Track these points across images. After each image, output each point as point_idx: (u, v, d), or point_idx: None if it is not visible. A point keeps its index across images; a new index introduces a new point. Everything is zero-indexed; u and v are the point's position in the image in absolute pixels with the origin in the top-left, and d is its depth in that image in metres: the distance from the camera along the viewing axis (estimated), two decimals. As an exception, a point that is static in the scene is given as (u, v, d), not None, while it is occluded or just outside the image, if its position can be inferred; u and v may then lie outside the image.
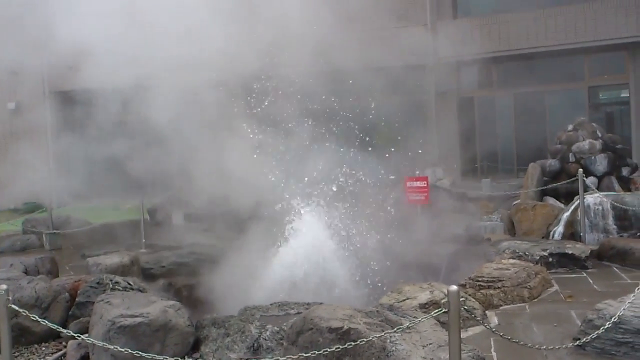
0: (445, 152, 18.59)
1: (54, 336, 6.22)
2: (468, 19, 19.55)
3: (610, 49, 18.07)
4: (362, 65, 12.41)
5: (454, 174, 17.20)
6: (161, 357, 4.37)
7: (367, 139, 11.46)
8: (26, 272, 7.99)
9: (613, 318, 4.70)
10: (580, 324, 5.43)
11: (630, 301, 4.87)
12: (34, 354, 5.91)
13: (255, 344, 5.33)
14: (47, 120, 16.21)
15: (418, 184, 11.42)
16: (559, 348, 4.87)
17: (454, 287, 3.66)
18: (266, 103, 10.21)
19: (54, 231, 12.23)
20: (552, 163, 12.01)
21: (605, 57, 18.68)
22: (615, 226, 9.50)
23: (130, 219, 13.42)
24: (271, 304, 6.30)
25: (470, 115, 19.66)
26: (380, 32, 18.39)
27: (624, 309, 4.81)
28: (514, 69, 19.27)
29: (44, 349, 6.05)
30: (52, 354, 5.87)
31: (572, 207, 10.02)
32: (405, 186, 11.78)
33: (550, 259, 8.15)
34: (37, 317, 4.48)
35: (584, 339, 4.86)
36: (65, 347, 5.84)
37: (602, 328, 4.69)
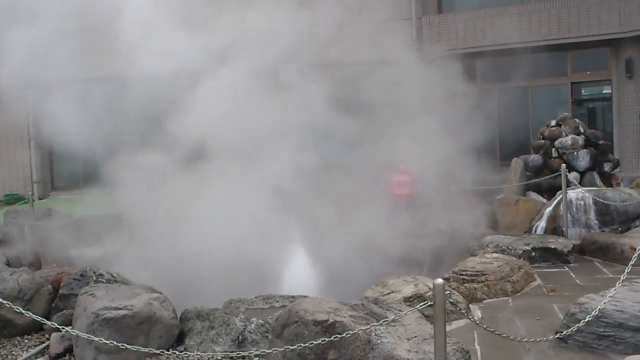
0: (429, 146, 18.61)
1: (37, 328, 6.19)
2: (453, 13, 19.59)
3: (593, 45, 18.19)
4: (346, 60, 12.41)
5: (438, 168, 17.23)
6: (146, 349, 4.37)
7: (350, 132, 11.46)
8: (8, 264, 7.93)
9: (595, 312, 4.76)
10: (562, 317, 5.48)
11: (611, 295, 4.92)
12: (16, 347, 5.88)
13: (240, 337, 5.33)
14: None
15: (402, 177, 11.44)
16: (541, 341, 4.91)
17: (440, 280, 3.68)
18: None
19: (36, 223, 12.14)
20: (535, 158, 12.10)
21: (589, 53, 18.79)
22: (597, 221, 9.60)
23: (114, 212, 13.34)
24: (256, 297, 6.29)
25: (453, 109, 19.70)
26: (363, 25, 18.43)
27: (605, 302, 4.87)
28: (497, 64, 19.34)
29: (26, 341, 6.01)
30: (35, 346, 5.83)
31: (555, 202, 10.11)
32: (389, 180, 11.79)
33: (533, 254, 8.23)
34: (20, 308, 4.45)
35: (566, 332, 4.91)
36: (48, 339, 5.81)
37: (583, 321, 4.74)
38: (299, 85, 10.14)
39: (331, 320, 4.31)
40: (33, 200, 12.91)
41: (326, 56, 11.19)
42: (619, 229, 9.45)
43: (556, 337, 4.93)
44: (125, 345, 4.25)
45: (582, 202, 9.72)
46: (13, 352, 5.72)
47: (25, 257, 8.61)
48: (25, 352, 5.70)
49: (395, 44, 13.08)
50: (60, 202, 13.98)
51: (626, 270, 4.64)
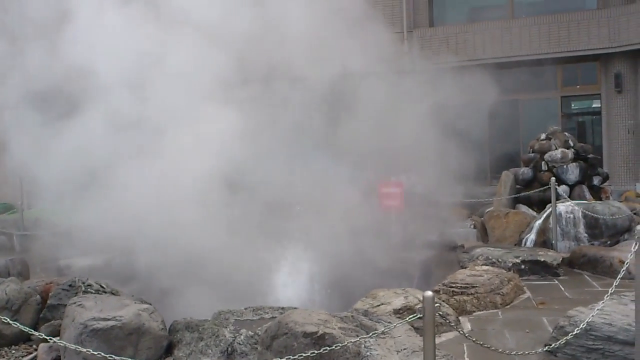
0: (420, 158, 18.67)
1: (25, 339, 6.13)
2: (444, 27, 19.71)
3: (582, 59, 18.34)
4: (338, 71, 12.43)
5: (428, 180, 17.27)
6: (134, 361, 4.35)
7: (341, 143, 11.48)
8: (-4, 274, 7.88)
9: (583, 325, 4.77)
10: (551, 330, 5.49)
11: (600, 308, 4.93)
12: (3, 357, 5.82)
13: (229, 349, 5.31)
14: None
15: (392, 189, 11.46)
16: (530, 354, 4.92)
17: (429, 293, 3.69)
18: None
19: (25, 233, 12.07)
20: (525, 171, 12.16)
21: (578, 67, 18.94)
22: (586, 234, 9.64)
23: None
24: (245, 308, 6.27)
25: (444, 122, 19.77)
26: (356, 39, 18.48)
27: (593, 315, 4.88)
28: (488, 77, 19.44)
29: (14, 351, 5.96)
30: (22, 357, 5.78)
31: (544, 215, 10.15)
32: (379, 191, 11.81)
33: (523, 266, 8.26)
34: (7, 319, 4.42)
35: (555, 345, 4.92)
36: (36, 350, 5.76)
37: (572, 335, 4.75)
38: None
39: (321, 332, 4.31)
40: (22, 210, 12.83)
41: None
42: (608, 242, 9.49)
43: (545, 350, 4.93)
44: (114, 356, 4.23)
45: (572, 215, 9.76)
46: (0, 363, 5.68)
47: (13, 266, 8.54)
48: (12, 362, 5.66)
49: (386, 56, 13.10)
50: (50, 212, 13.88)
51: (615, 284, 4.65)
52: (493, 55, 18.46)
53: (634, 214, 10.27)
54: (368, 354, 4.17)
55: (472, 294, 6.81)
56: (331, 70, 10.96)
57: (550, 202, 9.85)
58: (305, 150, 11.00)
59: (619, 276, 4.76)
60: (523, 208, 11.62)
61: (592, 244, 9.43)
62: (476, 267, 7.87)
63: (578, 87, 19.17)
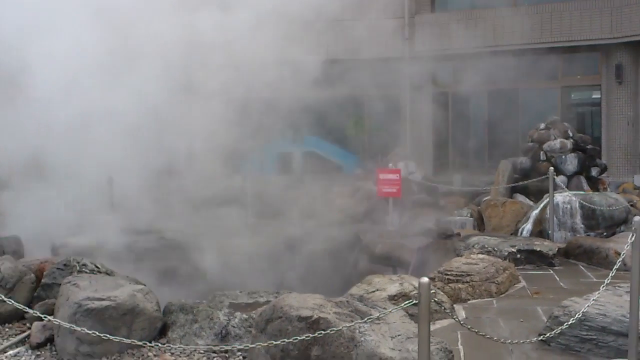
0: (418, 146, 18.68)
1: (18, 317, 6.12)
2: (446, 13, 19.62)
3: (584, 50, 18.28)
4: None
5: (426, 168, 17.28)
6: (128, 341, 4.34)
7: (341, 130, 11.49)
8: (-9, 252, 7.85)
9: (578, 315, 4.76)
10: (546, 320, 5.50)
11: (595, 299, 4.93)
12: (-3, 335, 5.82)
13: (224, 331, 5.31)
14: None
15: (390, 176, 11.45)
16: (524, 343, 4.92)
17: (425, 279, 3.67)
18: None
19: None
20: (523, 161, 12.15)
21: (579, 57, 18.89)
22: (582, 225, 9.64)
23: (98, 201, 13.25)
24: (240, 291, 6.28)
25: (444, 110, 19.75)
26: (356, 23, 18.43)
27: (588, 306, 4.88)
28: (489, 65, 19.38)
29: (7, 329, 5.94)
30: (15, 335, 5.77)
31: (542, 205, 10.15)
32: (377, 178, 11.80)
33: (519, 255, 8.26)
34: (2, 296, 4.40)
35: (549, 335, 4.92)
36: (29, 328, 5.75)
37: (567, 324, 4.75)
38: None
39: (315, 316, 4.29)
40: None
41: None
42: (605, 233, 9.50)
43: (539, 339, 4.94)
44: (108, 336, 4.21)
45: (569, 206, 9.76)
46: (-7, 341, 5.67)
47: (8, 245, 8.51)
48: (5, 340, 5.64)
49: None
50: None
51: (610, 275, 4.64)
52: (493, 44, 18.38)
53: (631, 205, 10.28)
54: (362, 339, 4.16)
55: (467, 282, 6.80)
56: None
57: (547, 192, 9.84)
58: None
59: (614, 267, 4.75)
60: (520, 198, 11.62)
61: (589, 235, 9.44)
62: (472, 255, 7.86)
63: (578, 77, 19.12)
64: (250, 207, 11.03)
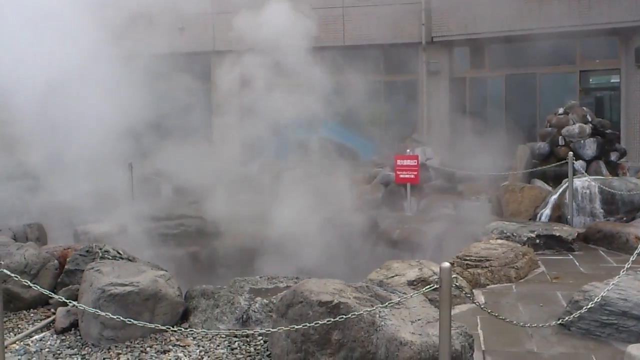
0: (436, 132, 18.62)
1: (43, 303, 6.23)
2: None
3: (602, 33, 18.07)
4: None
5: (444, 154, 17.24)
6: (151, 325, 4.40)
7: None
8: (15, 239, 7.96)
9: (598, 299, 4.77)
10: (565, 304, 5.50)
11: (615, 283, 4.93)
12: (22, 320, 5.92)
13: (245, 316, 5.37)
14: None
15: (408, 162, 11.45)
16: (544, 327, 4.94)
17: (447, 264, 3.69)
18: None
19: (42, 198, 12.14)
20: (542, 146, 12.07)
21: (598, 41, 18.68)
22: (602, 210, 9.59)
23: (118, 188, 13.36)
24: (260, 277, 6.33)
25: (461, 95, 19.67)
26: (372, 8, 18.39)
27: (608, 290, 4.88)
28: (506, 50, 19.24)
29: (32, 315, 6.05)
30: (40, 320, 5.87)
31: (560, 190, 10.10)
32: (395, 164, 11.80)
33: (538, 241, 8.24)
34: (27, 282, 4.48)
35: (569, 319, 4.93)
36: (54, 313, 5.85)
37: (587, 309, 4.75)
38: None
39: (336, 301, 4.33)
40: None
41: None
42: (624, 218, 9.43)
43: (559, 323, 4.95)
44: (131, 320, 4.28)
45: (588, 191, 9.70)
46: (19, 326, 5.76)
47: (31, 232, 8.64)
48: (31, 325, 5.75)
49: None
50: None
51: (631, 259, 4.65)
52: (511, 28, 18.24)
53: (651, 190, 10.19)
54: (383, 323, 4.19)
55: (486, 267, 6.81)
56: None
57: (566, 177, 9.79)
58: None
59: (635, 252, 4.75)
60: (539, 183, 11.55)
61: (608, 220, 9.38)
62: (491, 240, 7.86)
63: (597, 61, 18.92)
64: (267, 193, 11.08)
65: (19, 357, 4.84)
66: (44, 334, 5.50)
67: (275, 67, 10.42)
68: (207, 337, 5.18)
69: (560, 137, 11.84)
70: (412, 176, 11.45)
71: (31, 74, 8.59)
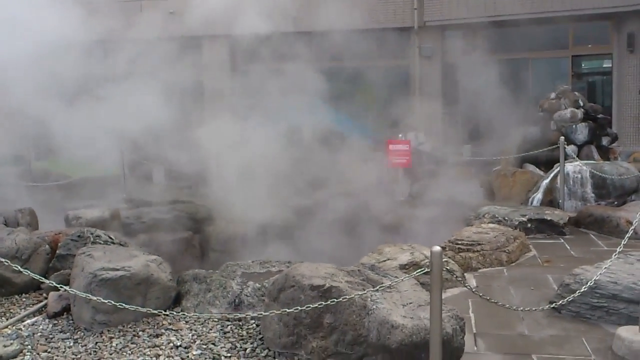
0: (428, 117, 18.61)
1: (35, 287, 6.22)
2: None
3: (595, 18, 18.06)
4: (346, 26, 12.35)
5: (436, 139, 17.24)
6: (143, 310, 4.40)
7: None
8: (6, 224, 7.94)
9: (589, 283, 4.79)
10: (556, 288, 5.54)
11: (606, 267, 4.95)
12: (14, 305, 5.91)
13: (237, 300, 5.37)
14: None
15: (400, 147, 11.44)
16: (535, 310, 4.96)
17: (437, 248, 3.70)
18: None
19: (34, 184, 12.13)
20: (534, 131, 12.08)
21: (590, 26, 18.67)
22: (593, 194, 9.63)
23: (110, 174, 13.35)
24: (252, 261, 6.33)
25: (454, 80, 19.64)
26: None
27: (600, 274, 4.90)
28: (499, 35, 19.22)
29: (24, 299, 6.05)
30: (32, 304, 5.87)
31: (552, 175, 10.13)
32: (387, 149, 11.80)
33: (529, 225, 8.28)
34: (18, 267, 4.47)
35: (560, 303, 4.95)
36: (45, 298, 5.84)
37: (578, 292, 4.78)
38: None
39: (327, 285, 4.34)
40: (30, 161, 12.87)
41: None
42: (615, 202, 9.48)
43: (550, 307, 4.97)
44: (123, 305, 4.28)
45: (579, 175, 9.73)
46: (11, 310, 5.76)
47: (22, 217, 8.61)
48: (23, 310, 5.74)
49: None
50: (58, 163, 13.94)
51: (622, 243, 4.65)
52: (503, 12, 18.20)
53: (642, 174, 10.23)
54: (374, 307, 4.20)
55: (477, 251, 6.84)
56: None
57: (557, 162, 9.82)
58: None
59: (626, 236, 4.77)
60: (530, 167, 11.58)
61: (599, 204, 9.42)
62: (482, 224, 7.89)
63: (590, 46, 18.93)
64: (261, 178, 11.07)
65: (11, 341, 4.84)
66: (36, 318, 5.50)
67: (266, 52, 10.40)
68: (199, 321, 5.19)
69: (552, 122, 11.86)
70: (404, 161, 11.45)
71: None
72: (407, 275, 4.41)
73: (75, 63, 9.18)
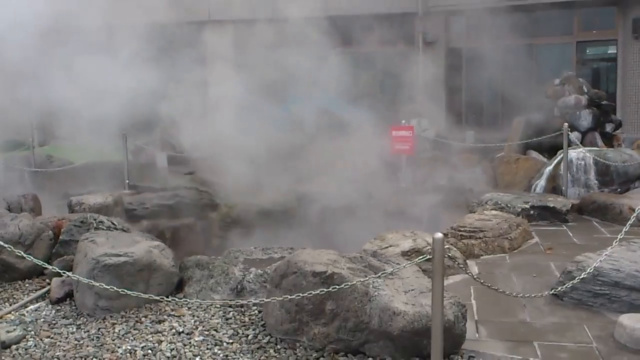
0: (432, 103, 18.55)
1: (38, 273, 6.25)
2: (460, -33, 19.28)
3: (600, 4, 17.95)
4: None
5: (439, 125, 17.19)
6: (146, 296, 4.41)
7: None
8: (9, 210, 7.96)
9: (591, 270, 4.79)
10: (559, 275, 5.53)
11: (608, 254, 4.94)
12: (17, 290, 5.94)
13: (239, 286, 5.38)
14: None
15: (403, 133, 11.41)
16: (537, 297, 4.96)
17: (439, 234, 3.69)
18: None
19: (36, 169, 12.14)
20: (537, 117, 12.04)
21: (595, 12, 18.56)
22: (596, 181, 9.60)
23: (112, 159, 13.36)
24: (255, 248, 6.34)
25: (457, 66, 19.57)
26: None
27: (601, 261, 4.89)
28: (503, 21, 19.11)
29: (27, 285, 6.07)
30: (35, 290, 5.89)
31: (555, 162, 10.10)
32: (390, 135, 11.77)
33: (532, 212, 8.26)
34: (21, 252, 4.47)
35: (562, 289, 4.95)
36: (49, 284, 5.87)
37: (579, 279, 4.77)
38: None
39: (329, 271, 4.34)
40: (33, 147, 12.88)
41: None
42: (619, 189, 9.46)
43: (552, 293, 4.97)
44: (126, 290, 4.29)
45: (583, 162, 9.71)
46: (14, 296, 5.78)
47: (26, 202, 8.63)
48: (26, 296, 5.76)
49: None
50: (61, 149, 13.94)
51: (624, 230, 4.64)
52: (509, -2, 18.09)
53: (646, 161, 10.20)
54: (376, 293, 4.21)
55: (480, 238, 6.84)
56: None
57: (561, 149, 9.78)
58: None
59: (628, 223, 4.75)
60: (534, 154, 11.55)
61: (602, 191, 9.40)
62: (485, 211, 7.88)
63: (594, 32, 18.82)
64: (263, 165, 11.07)
65: (15, 327, 4.86)
66: (39, 304, 5.52)
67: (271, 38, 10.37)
68: (201, 307, 5.20)
69: (556, 108, 11.82)
70: (408, 147, 11.41)
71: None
72: (409, 262, 4.41)
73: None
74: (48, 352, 4.50)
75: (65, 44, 9.11)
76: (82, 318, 5.12)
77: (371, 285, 4.27)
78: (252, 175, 10.14)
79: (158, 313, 5.14)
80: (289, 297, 4.20)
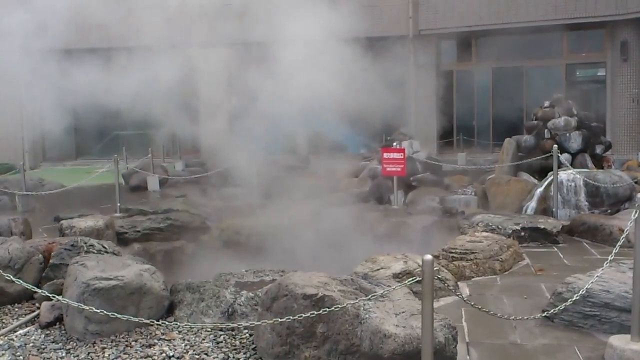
0: (423, 125, 18.65)
1: (27, 297, 6.19)
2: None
3: (589, 27, 18.17)
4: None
5: (430, 147, 17.28)
6: (136, 319, 4.40)
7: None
8: (-1, 233, 7.92)
9: (582, 291, 4.80)
10: (549, 296, 5.54)
11: (598, 275, 4.96)
12: (6, 315, 5.89)
13: (230, 309, 5.37)
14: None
15: (395, 155, 11.45)
16: (528, 319, 4.97)
17: (429, 257, 3.70)
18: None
19: (27, 193, 12.11)
20: (528, 139, 12.13)
21: (584, 34, 18.79)
22: (587, 202, 9.65)
23: (104, 183, 13.36)
24: (246, 270, 6.33)
25: (448, 88, 19.71)
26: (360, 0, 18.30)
27: (592, 282, 4.91)
28: (493, 43, 19.30)
29: (17, 309, 6.02)
30: (25, 314, 5.85)
31: (546, 183, 10.15)
32: (381, 157, 11.81)
33: (522, 233, 8.28)
34: (11, 276, 4.46)
35: (553, 311, 4.96)
36: (38, 308, 5.82)
37: (570, 301, 4.79)
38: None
39: (320, 294, 4.34)
40: (24, 170, 12.85)
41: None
42: (609, 210, 9.50)
43: (542, 315, 4.98)
44: (116, 314, 4.27)
45: (573, 184, 9.76)
46: (3, 320, 5.74)
47: (16, 226, 8.58)
48: (15, 320, 5.72)
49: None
50: (52, 173, 13.93)
51: (614, 251, 4.66)
52: (499, 21, 18.29)
53: (635, 182, 10.27)
54: (367, 316, 4.21)
55: (471, 259, 6.84)
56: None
57: (551, 170, 9.84)
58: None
59: (618, 244, 4.78)
60: (524, 176, 11.61)
61: (593, 212, 9.44)
62: (476, 233, 7.89)
63: (584, 54, 19.04)
64: (255, 187, 11.09)
65: (3, 352, 4.82)
66: (28, 328, 5.48)
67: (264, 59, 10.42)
68: (192, 331, 5.18)
69: (546, 130, 11.92)
70: (399, 169, 11.44)
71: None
72: (399, 284, 4.42)
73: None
74: (37, 377, 4.47)
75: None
76: (71, 342, 5.08)
77: (362, 308, 4.27)
78: (243, 197, 10.16)
79: (148, 337, 5.11)
80: (280, 320, 4.19)
